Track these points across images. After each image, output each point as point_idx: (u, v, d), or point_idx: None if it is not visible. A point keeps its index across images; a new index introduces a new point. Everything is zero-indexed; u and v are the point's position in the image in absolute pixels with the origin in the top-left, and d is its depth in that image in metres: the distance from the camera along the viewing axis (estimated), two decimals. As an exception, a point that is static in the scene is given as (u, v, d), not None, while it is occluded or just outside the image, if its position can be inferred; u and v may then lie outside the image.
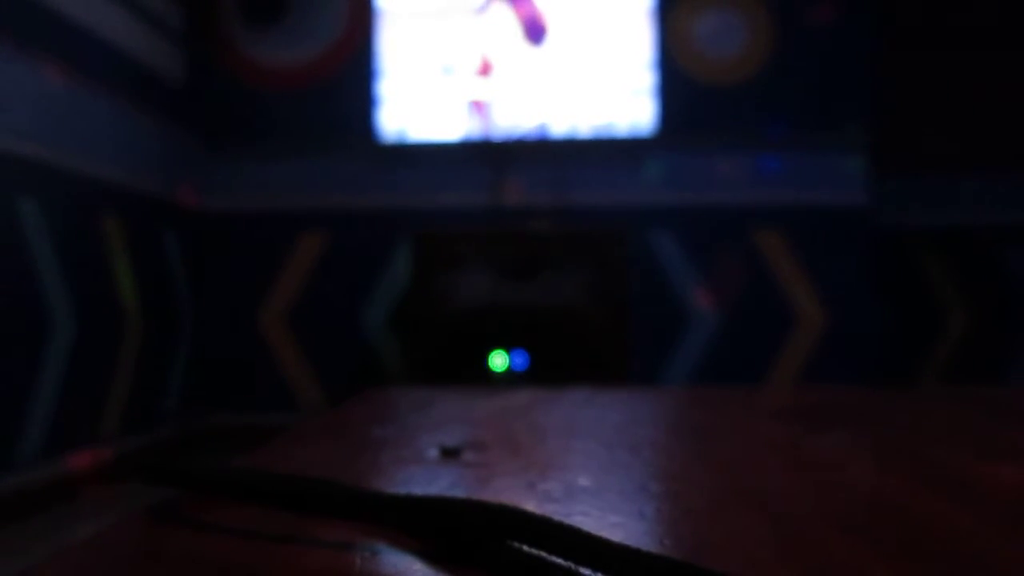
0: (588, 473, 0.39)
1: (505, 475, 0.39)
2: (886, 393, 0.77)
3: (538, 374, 2.44)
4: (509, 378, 2.44)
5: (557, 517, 0.24)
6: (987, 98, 3.09)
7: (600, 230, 2.57)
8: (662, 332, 3.01)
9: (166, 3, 2.88)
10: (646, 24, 2.98)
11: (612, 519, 0.31)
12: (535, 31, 2.87)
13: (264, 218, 3.09)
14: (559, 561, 0.24)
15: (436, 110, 3.04)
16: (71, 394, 2.25)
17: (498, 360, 2.46)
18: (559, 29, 3.00)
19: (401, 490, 0.34)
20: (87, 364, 2.33)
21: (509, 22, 3.00)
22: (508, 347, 2.46)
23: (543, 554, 0.24)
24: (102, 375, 2.42)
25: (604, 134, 2.99)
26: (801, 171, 3.01)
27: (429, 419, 0.59)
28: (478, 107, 3.01)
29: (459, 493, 0.35)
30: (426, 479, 0.38)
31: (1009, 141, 3.10)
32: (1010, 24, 3.09)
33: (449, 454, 0.44)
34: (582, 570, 0.24)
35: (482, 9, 3.00)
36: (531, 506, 0.32)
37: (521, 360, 2.46)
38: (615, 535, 0.28)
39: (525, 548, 0.25)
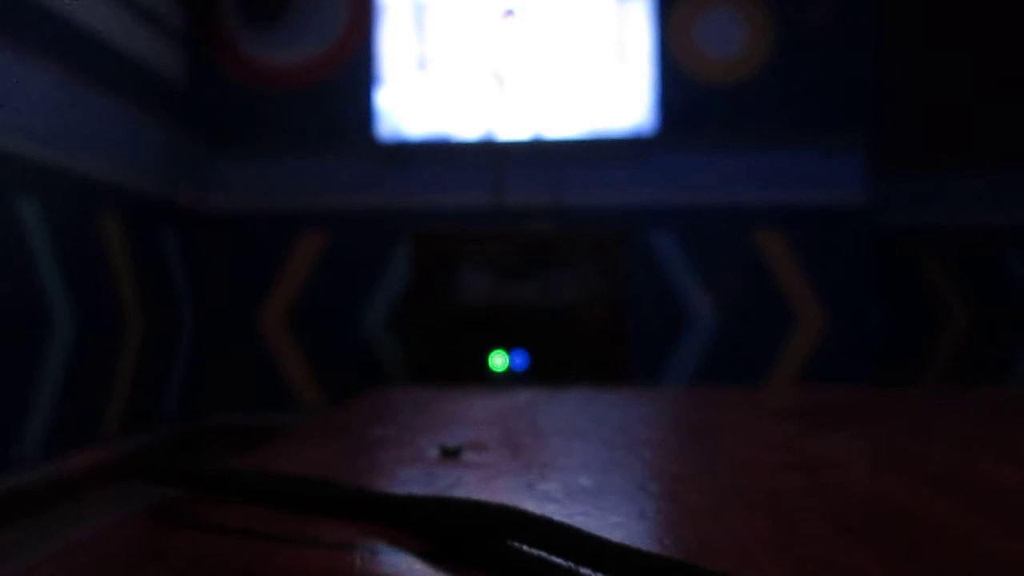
0: (588, 473, 0.39)
1: (505, 475, 0.39)
2: (886, 393, 0.77)
3: (538, 374, 2.44)
4: (509, 378, 2.44)
5: (557, 517, 0.24)
6: (987, 98, 3.09)
7: (600, 230, 2.57)
8: (662, 332, 3.01)
9: (167, 3, 2.88)
10: (646, 24, 2.98)
11: (612, 519, 0.31)
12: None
13: (264, 218, 3.09)
14: (559, 561, 0.24)
15: (437, 110, 3.04)
16: (71, 394, 2.25)
17: (498, 360, 2.45)
18: (560, 28, 3.00)
19: (401, 490, 0.34)
20: (87, 364, 2.33)
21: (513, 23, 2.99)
22: (508, 347, 2.46)
23: (543, 554, 0.24)
24: (102, 375, 2.42)
25: (604, 134, 3.00)
26: (801, 171, 3.01)
27: (429, 419, 0.59)
28: (479, 107, 3.00)
29: (459, 493, 0.35)
30: (426, 479, 0.38)
31: (1009, 141, 3.10)
32: (1010, 24, 3.09)
33: (449, 454, 0.44)
34: (582, 570, 0.24)
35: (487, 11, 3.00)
36: (531, 506, 0.32)
37: (521, 360, 2.45)
38: (615, 535, 0.28)
39: (525, 548, 0.25)
